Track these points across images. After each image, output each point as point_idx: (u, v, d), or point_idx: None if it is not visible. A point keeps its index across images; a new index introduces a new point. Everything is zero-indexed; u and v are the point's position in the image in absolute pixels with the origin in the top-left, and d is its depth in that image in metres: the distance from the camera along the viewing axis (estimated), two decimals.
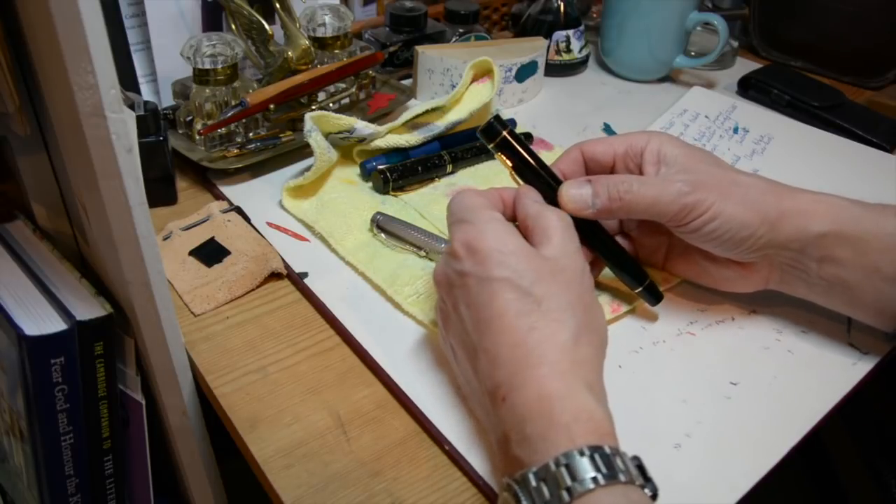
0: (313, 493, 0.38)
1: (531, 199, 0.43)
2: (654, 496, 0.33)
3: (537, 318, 0.36)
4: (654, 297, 0.48)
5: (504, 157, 0.46)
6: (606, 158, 0.48)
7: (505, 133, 0.45)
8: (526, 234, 0.42)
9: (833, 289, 0.45)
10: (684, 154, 0.45)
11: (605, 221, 0.51)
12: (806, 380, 0.46)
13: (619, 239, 0.52)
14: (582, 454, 0.31)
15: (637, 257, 0.52)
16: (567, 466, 0.31)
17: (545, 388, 0.34)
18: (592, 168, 0.49)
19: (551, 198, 0.45)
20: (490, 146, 0.46)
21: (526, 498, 0.32)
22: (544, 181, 0.46)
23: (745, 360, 0.47)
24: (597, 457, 0.32)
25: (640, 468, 0.33)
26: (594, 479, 0.31)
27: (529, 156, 0.46)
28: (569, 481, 0.31)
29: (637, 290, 0.48)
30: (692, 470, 0.40)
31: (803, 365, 0.47)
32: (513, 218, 0.44)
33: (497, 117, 0.46)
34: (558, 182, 0.45)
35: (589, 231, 0.46)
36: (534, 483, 0.32)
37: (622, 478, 0.31)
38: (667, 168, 0.45)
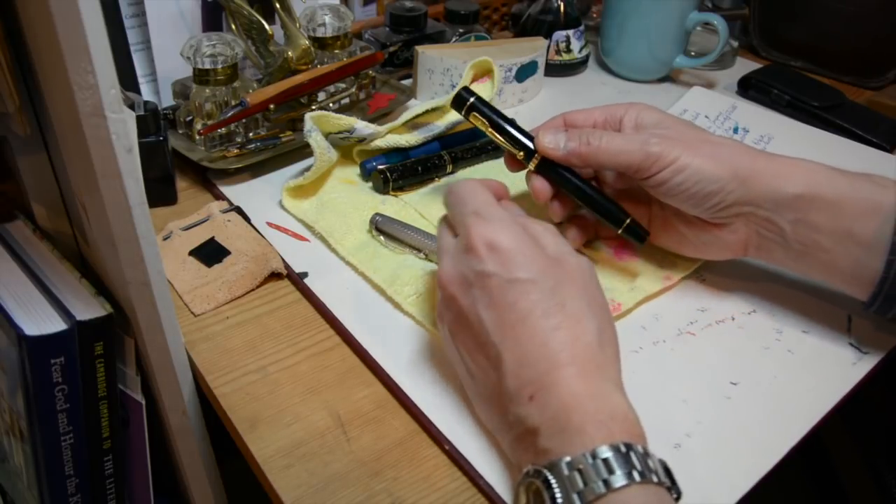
0: (313, 493, 0.38)
1: (515, 214, 0.43)
2: (678, 499, 0.33)
3: (562, 319, 0.36)
4: (638, 236, 0.49)
5: (478, 119, 0.51)
6: (587, 125, 0.50)
7: (472, 99, 0.51)
8: None
9: (808, 253, 0.45)
10: (662, 118, 0.48)
11: None
12: (806, 380, 0.46)
13: None
14: (618, 450, 0.32)
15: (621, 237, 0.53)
16: (604, 461, 0.32)
17: (578, 387, 0.34)
18: None
19: (527, 148, 0.49)
20: (461, 113, 0.51)
21: (559, 485, 0.32)
22: (516, 137, 0.50)
23: (745, 360, 0.47)
24: (632, 455, 0.32)
25: (667, 470, 0.33)
26: (629, 475, 0.31)
27: (499, 117, 0.51)
28: (605, 474, 0.31)
29: (620, 231, 0.49)
30: (692, 470, 0.40)
31: (803, 365, 0.47)
32: None
33: (465, 88, 0.51)
34: (529, 137, 0.49)
35: (565, 178, 0.49)
36: (566, 472, 0.32)
37: (654, 478, 0.32)
38: (644, 131, 0.48)
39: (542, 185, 0.49)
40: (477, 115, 0.51)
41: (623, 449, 0.32)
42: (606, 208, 0.49)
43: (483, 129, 0.51)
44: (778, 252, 0.47)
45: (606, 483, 0.31)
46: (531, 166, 0.49)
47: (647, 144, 0.45)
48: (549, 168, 0.49)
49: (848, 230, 0.43)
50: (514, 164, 0.51)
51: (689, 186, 0.45)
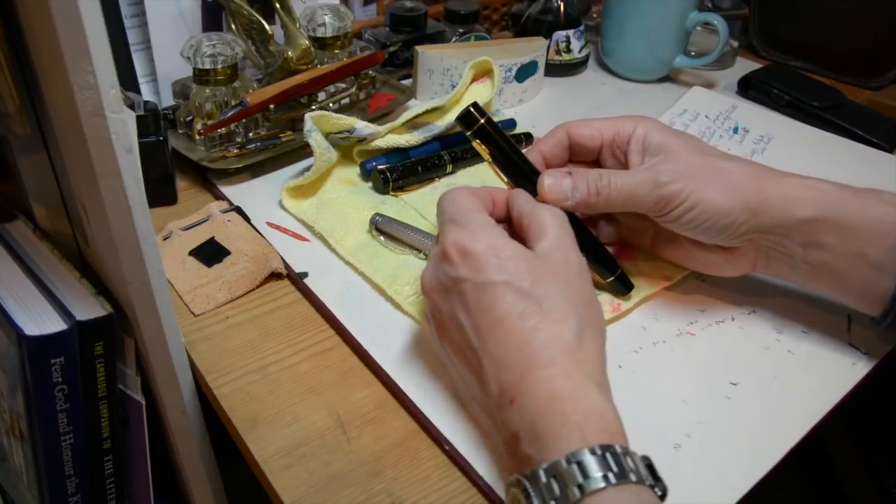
0: (313, 493, 0.38)
1: (525, 199, 0.43)
2: (663, 496, 0.33)
3: (540, 319, 0.36)
4: (625, 286, 0.50)
5: (481, 146, 0.47)
6: (593, 144, 0.49)
7: (482, 121, 0.46)
8: (521, 231, 0.42)
9: (818, 273, 0.45)
10: (669, 142, 0.46)
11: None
12: (806, 380, 0.46)
13: (604, 224, 0.53)
14: (593, 452, 0.32)
15: (624, 241, 0.53)
16: (579, 464, 0.31)
17: (555, 388, 0.34)
18: (577, 152, 0.49)
19: (529, 188, 0.46)
20: (468, 133, 0.47)
21: (536, 493, 0.32)
22: (522, 171, 0.46)
23: (745, 360, 0.47)
24: (608, 456, 0.32)
25: (650, 467, 0.33)
26: (605, 478, 0.31)
27: (507, 145, 0.46)
28: (580, 479, 0.31)
29: (608, 280, 0.49)
30: (692, 470, 0.40)
31: (803, 365, 0.47)
32: (504, 218, 0.44)
33: (475, 104, 0.46)
34: (535, 173, 0.46)
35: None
36: (544, 479, 0.32)
37: (632, 477, 0.31)
38: (650, 157, 0.46)
39: None
40: (481, 143, 0.46)
41: (598, 451, 0.32)
42: (601, 257, 0.49)
43: (483, 155, 0.47)
44: (787, 271, 0.46)
45: (581, 488, 0.31)
46: None
47: (657, 188, 0.44)
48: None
49: (860, 251, 0.43)
50: None
51: (701, 222, 0.44)
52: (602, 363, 0.38)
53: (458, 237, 0.39)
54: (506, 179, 0.47)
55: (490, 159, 0.47)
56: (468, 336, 0.38)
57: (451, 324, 0.39)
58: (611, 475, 0.31)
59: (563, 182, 0.45)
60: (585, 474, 0.31)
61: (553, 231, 0.40)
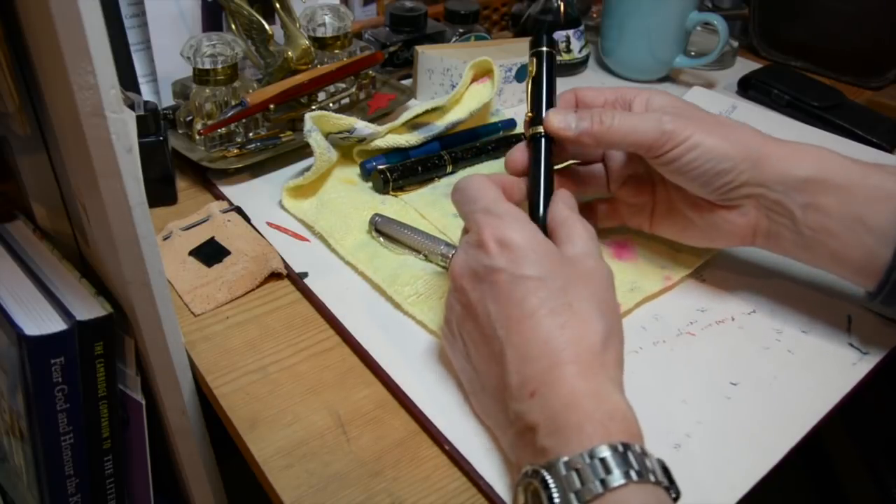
0: (313, 493, 0.38)
1: (563, 204, 0.44)
2: (677, 498, 0.33)
3: (569, 318, 0.37)
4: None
5: (533, 65, 0.51)
6: (597, 103, 0.50)
7: (547, 49, 0.51)
8: (551, 234, 0.42)
9: (817, 239, 0.45)
10: (673, 100, 0.48)
11: (592, 176, 0.53)
12: (806, 380, 0.46)
13: (604, 205, 0.53)
14: (615, 450, 0.32)
15: (624, 223, 0.53)
16: (601, 460, 0.32)
17: (580, 385, 0.35)
18: None
19: (538, 115, 0.49)
20: (531, 51, 0.51)
21: (556, 485, 0.32)
22: (545, 99, 0.49)
23: (745, 360, 0.47)
24: (629, 454, 0.32)
25: (665, 470, 0.33)
26: (626, 475, 0.31)
27: (548, 79, 0.50)
28: (602, 473, 0.31)
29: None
30: (692, 470, 0.40)
31: (803, 365, 0.47)
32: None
33: (550, 36, 0.51)
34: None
35: (537, 164, 0.47)
36: (563, 472, 0.32)
37: (651, 478, 0.32)
38: (654, 110, 0.47)
39: (521, 158, 0.48)
40: (535, 61, 0.50)
41: (621, 448, 0.32)
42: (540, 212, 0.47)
43: (529, 74, 0.51)
44: (786, 239, 0.46)
45: (604, 483, 0.31)
46: (527, 133, 0.49)
47: (661, 122, 0.45)
48: (536, 147, 0.47)
49: (858, 215, 0.43)
50: (511, 166, 0.49)
51: (700, 164, 0.44)
52: (621, 372, 0.38)
53: (498, 229, 0.39)
54: (528, 100, 0.50)
55: (532, 80, 0.50)
56: (494, 325, 0.38)
57: (478, 310, 0.39)
58: (632, 472, 0.31)
59: (568, 115, 0.47)
60: (608, 469, 0.31)
61: (582, 239, 0.41)
